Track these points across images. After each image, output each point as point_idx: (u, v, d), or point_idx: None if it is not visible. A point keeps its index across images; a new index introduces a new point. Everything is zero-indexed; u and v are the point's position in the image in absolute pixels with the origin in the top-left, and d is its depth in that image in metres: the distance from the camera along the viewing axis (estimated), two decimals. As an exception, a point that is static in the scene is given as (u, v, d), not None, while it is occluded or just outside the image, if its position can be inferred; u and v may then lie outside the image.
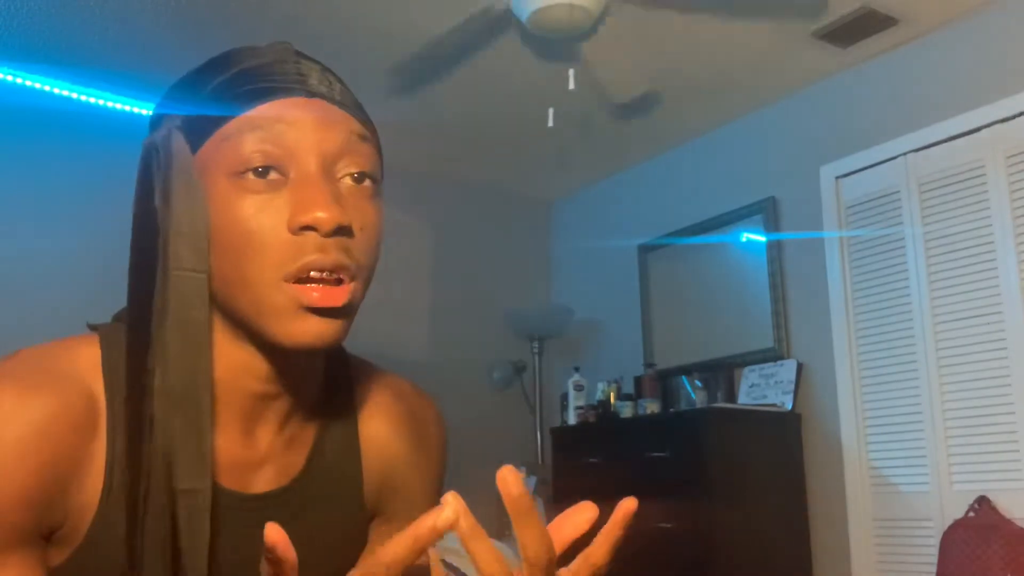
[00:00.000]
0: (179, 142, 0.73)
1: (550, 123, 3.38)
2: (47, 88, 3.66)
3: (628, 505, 0.61)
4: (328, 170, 0.73)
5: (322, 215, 0.69)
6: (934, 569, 2.94)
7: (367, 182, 0.75)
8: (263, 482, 0.81)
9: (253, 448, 0.80)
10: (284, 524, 0.80)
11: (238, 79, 0.74)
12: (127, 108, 3.81)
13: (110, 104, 3.79)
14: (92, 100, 3.76)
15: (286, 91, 0.73)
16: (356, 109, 0.78)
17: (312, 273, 0.71)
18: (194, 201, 0.72)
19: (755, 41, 3.44)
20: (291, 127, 0.72)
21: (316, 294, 0.70)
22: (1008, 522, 2.83)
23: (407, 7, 3.18)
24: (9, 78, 3.59)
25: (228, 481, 0.79)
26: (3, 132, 3.54)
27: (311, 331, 0.71)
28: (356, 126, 0.76)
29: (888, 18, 3.27)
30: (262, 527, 0.79)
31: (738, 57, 3.56)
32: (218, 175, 0.72)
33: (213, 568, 0.77)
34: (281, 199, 0.71)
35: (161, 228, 0.72)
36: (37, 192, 3.56)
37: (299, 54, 0.78)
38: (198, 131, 0.73)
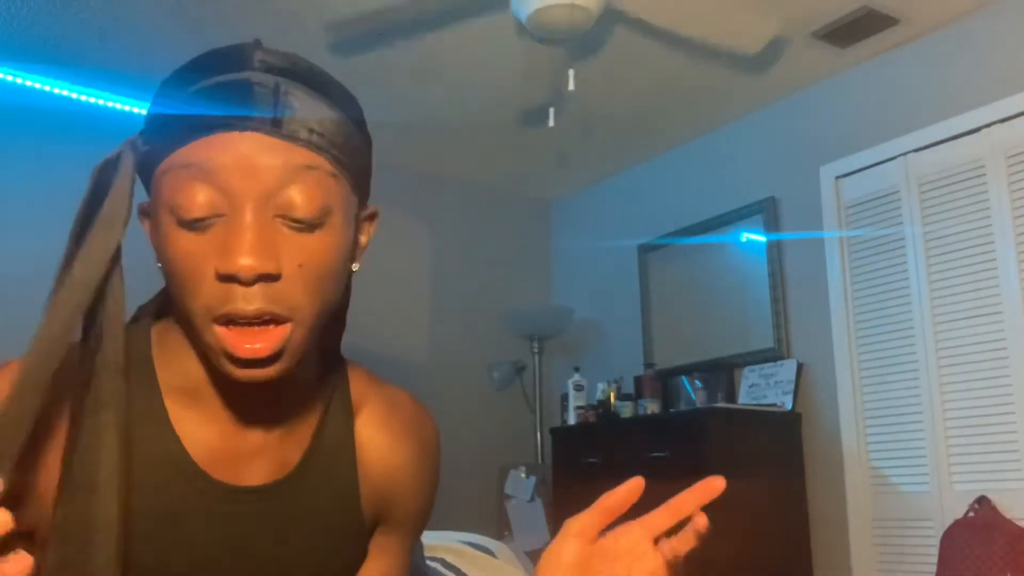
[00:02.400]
0: (127, 163, 0.75)
1: (550, 123, 3.38)
2: (47, 88, 3.66)
3: (716, 484, 0.72)
4: (260, 209, 0.71)
5: (243, 262, 0.69)
6: (934, 569, 2.94)
7: (306, 219, 0.73)
8: (256, 475, 0.82)
9: (245, 440, 0.82)
10: (275, 517, 0.82)
11: (192, 101, 0.74)
12: (127, 108, 3.81)
13: (110, 104, 3.79)
14: (92, 100, 3.76)
15: (222, 126, 0.72)
16: (306, 128, 0.73)
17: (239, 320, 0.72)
18: (114, 227, 0.74)
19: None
20: (221, 170, 0.71)
21: (237, 344, 0.71)
22: (1008, 522, 2.83)
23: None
24: (9, 78, 3.59)
25: (219, 473, 0.80)
26: (3, 132, 3.54)
27: (242, 375, 0.73)
28: (299, 157, 0.73)
29: (888, 18, 3.26)
30: (253, 519, 0.81)
31: (738, 57, 3.56)
32: (161, 207, 0.73)
33: (204, 558, 0.78)
34: (213, 241, 0.71)
35: (78, 239, 0.74)
36: (37, 192, 3.56)
37: (263, 61, 0.75)
38: (150, 154, 0.75)
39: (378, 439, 0.90)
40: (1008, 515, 2.87)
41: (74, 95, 3.72)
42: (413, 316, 4.52)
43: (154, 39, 3.32)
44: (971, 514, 2.94)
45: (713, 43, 3.17)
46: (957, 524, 2.93)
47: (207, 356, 0.75)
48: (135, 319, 0.89)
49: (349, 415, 0.89)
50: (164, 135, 0.74)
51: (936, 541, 2.99)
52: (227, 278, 0.70)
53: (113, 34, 3.30)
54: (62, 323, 0.72)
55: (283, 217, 0.72)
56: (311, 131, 0.74)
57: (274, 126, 0.72)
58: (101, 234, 0.73)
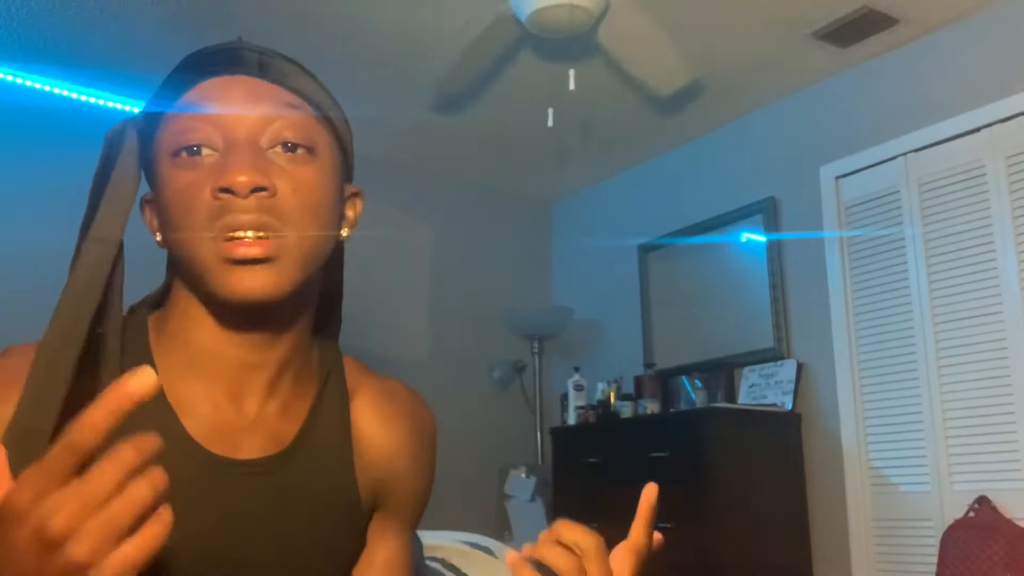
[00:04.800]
0: (130, 135, 0.81)
1: (550, 123, 3.38)
2: (47, 88, 3.66)
3: (651, 490, 0.74)
4: (254, 139, 0.78)
5: (239, 178, 0.75)
6: (934, 569, 2.94)
7: (299, 150, 0.80)
8: (253, 448, 0.83)
9: (242, 414, 0.84)
10: (271, 491, 0.83)
11: (177, 74, 0.82)
12: (127, 108, 3.81)
13: (110, 104, 3.79)
14: (92, 100, 3.76)
15: (212, 73, 0.80)
16: (292, 82, 0.82)
17: (236, 233, 0.76)
18: (127, 183, 0.79)
19: (755, 41, 3.44)
20: (215, 103, 0.79)
21: (233, 248, 0.75)
22: (1008, 522, 2.84)
23: (412, 9, 3.18)
24: (9, 78, 3.59)
25: (216, 446, 0.81)
26: (3, 132, 3.54)
27: (239, 281, 0.76)
28: (285, 96, 0.81)
29: (888, 18, 3.27)
30: (250, 492, 0.82)
31: (738, 57, 3.56)
32: (163, 157, 0.79)
33: (203, 530, 0.80)
34: (209, 170, 0.77)
35: (95, 205, 0.79)
36: (37, 192, 3.56)
37: (245, 43, 0.84)
38: (149, 125, 0.81)
39: (374, 422, 0.92)
40: (1008, 515, 2.87)
41: (74, 95, 3.72)
42: (413, 316, 4.52)
43: (154, 39, 3.32)
44: (971, 514, 2.94)
45: (635, 75, 3.26)
46: (957, 524, 2.93)
47: (203, 282, 0.78)
48: (131, 310, 0.91)
49: (344, 398, 0.91)
50: (159, 104, 0.80)
51: (936, 541, 2.99)
52: (223, 191, 0.75)
53: (113, 34, 3.30)
54: (79, 302, 0.76)
55: (274, 146, 0.79)
56: (295, 80, 0.83)
57: (262, 72, 0.81)
58: (112, 203, 0.78)
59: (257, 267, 0.76)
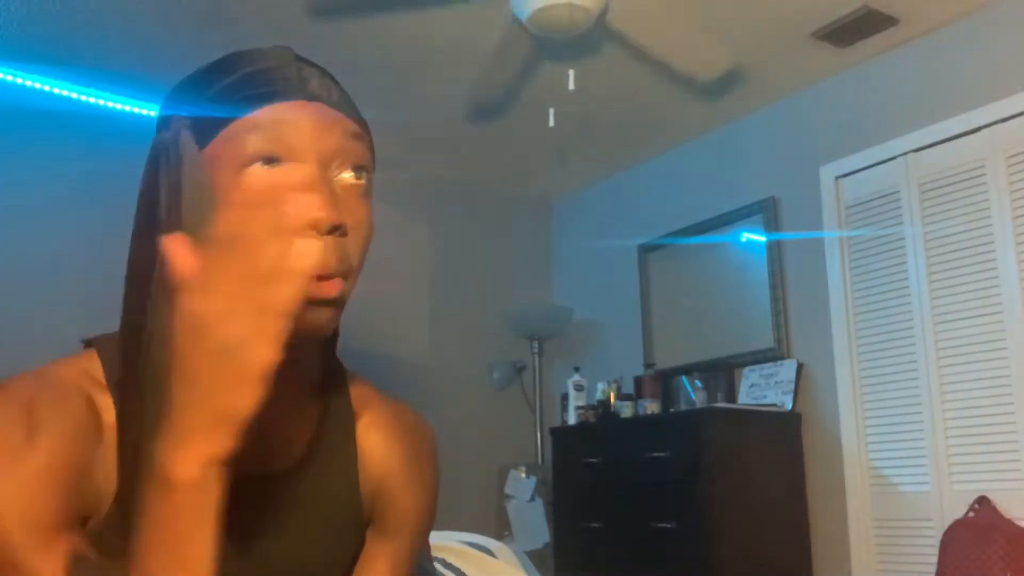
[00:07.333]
0: (187, 140, 0.77)
1: (550, 123, 3.38)
2: (47, 88, 3.66)
3: None
4: (324, 168, 0.77)
5: (319, 214, 0.72)
6: (934, 569, 2.94)
7: (363, 178, 0.79)
8: (261, 462, 0.83)
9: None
10: (281, 500, 0.84)
11: (242, 82, 0.78)
12: (127, 108, 3.81)
13: (110, 104, 3.79)
14: (92, 100, 3.75)
15: (287, 94, 0.77)
16: (351, 110, 0.82)
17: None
18: (203, 195, 0.76)
19: (755, 41, 3.44)
20: (291, 128, 0.76)
21: (315, 287, 0.73)
22: (1008, 522, 2.84)
23: (415, 11, 3.18)
24: (9, 78, 3.59)
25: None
26: (3, 132, 3.54)
27: (305, 319, 0.74)
28: (351, 126, 0.80)
29: (888, 18, 3.27)
30: (263, 506, 0.82)
31: (738, 57, 3.56)
32: (223, 172, 0.75)
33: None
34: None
35: (166, 220, 0.76)
36: (37, 192, 3.56)
37: (300, 59, 0.82)
38: (204, 131, 0.77)
39: (376, 440, 0.93)
40: (1008, 515, 2.87)
41: (74, 95, 3.72)
42: (413, 316, 4.52)
43: (154, 39, 3.32)
44: (971, 514, 2.94)
45: (674, 65, 3.22)
46: (957, 524, 2.93)
47: None
48: None
49: (350, 413, 0.92)
50: (222, 111, 0.77)
51: (936, 541, 2.99)
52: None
53: (113, 34, 3.30)
54: None
55: (343, 173, 0.78)
56: (354, 110, 0.83)
57: (330, 99, 0.80)
58: (197, 209, 0.75)
59: (323, 306, 0.75)
